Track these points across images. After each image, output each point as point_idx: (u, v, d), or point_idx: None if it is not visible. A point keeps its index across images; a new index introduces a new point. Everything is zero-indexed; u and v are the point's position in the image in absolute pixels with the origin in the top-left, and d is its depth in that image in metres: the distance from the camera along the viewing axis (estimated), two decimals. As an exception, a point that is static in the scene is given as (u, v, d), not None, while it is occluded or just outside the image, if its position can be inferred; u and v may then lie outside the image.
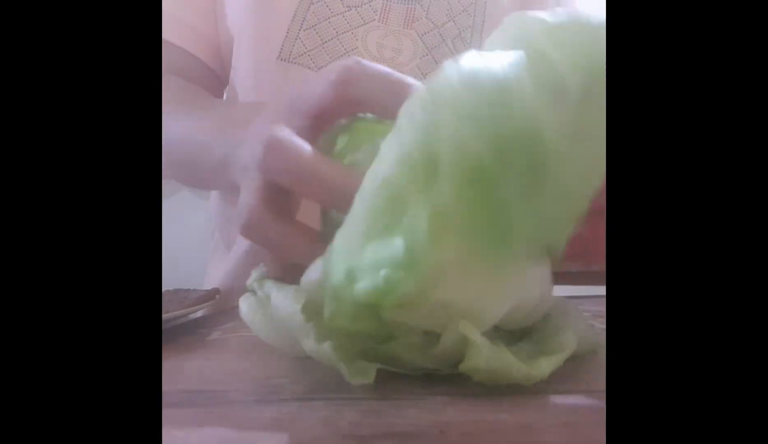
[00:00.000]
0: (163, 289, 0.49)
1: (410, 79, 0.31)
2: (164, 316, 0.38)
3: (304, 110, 0.32)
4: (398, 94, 0.30)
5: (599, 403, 0.24)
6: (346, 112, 0.33)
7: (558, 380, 0.27)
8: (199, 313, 0.45)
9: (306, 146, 0.30)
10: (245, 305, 0.30)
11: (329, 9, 0.61)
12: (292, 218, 0.33)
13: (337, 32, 0.60)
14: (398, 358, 0.27)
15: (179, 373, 0.31)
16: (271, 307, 0.29)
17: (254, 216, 0.32)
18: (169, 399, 0.26)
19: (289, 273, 0.30)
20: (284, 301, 0.28)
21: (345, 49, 0.60)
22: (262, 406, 0.25)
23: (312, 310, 0.26)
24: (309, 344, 0.26)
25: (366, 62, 0.31)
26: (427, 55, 0.61)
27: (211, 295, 0.46)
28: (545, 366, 0.26)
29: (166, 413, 0.24)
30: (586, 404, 0.24)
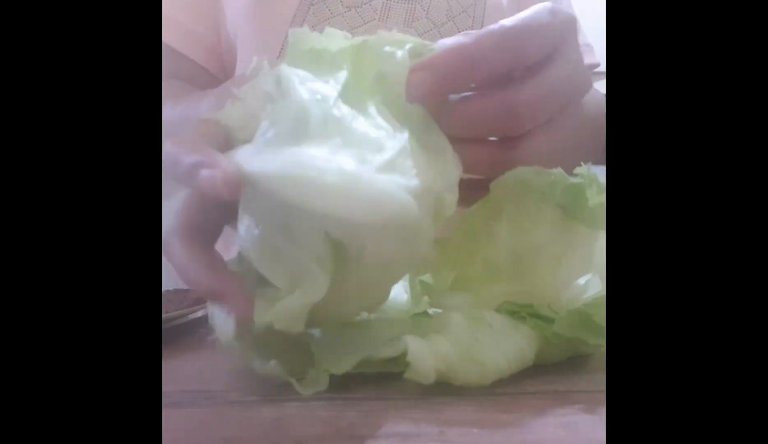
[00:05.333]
0: (163, 289, 0.49)
1: None
2: (164, 316, 0.38)
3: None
4: None
5: (599, 403, 0.24)
6: None
7: (558, 380, 0.27)
8: (199, 313, 0.45)
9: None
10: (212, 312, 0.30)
11: (329, 10, 0.61)
12: (210, 245, 0.30)
13: None
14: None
15: (179, 373, 0.31)
16: (215, 326, 0.29)
17: (171, 240, 0.29)
18: (169, 399, 0.26)
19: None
20: (225, 323, 0.28)
21: None
22: (262, 406, 0.25)
23: (247, 333, 0.27)
24: (256, 365, 0.27)
25: None
26: None
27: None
28: (491, 372, 0.26)
29: (166, 413, 0.24)
30: (586, 404, 0.24)
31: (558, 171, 0.28)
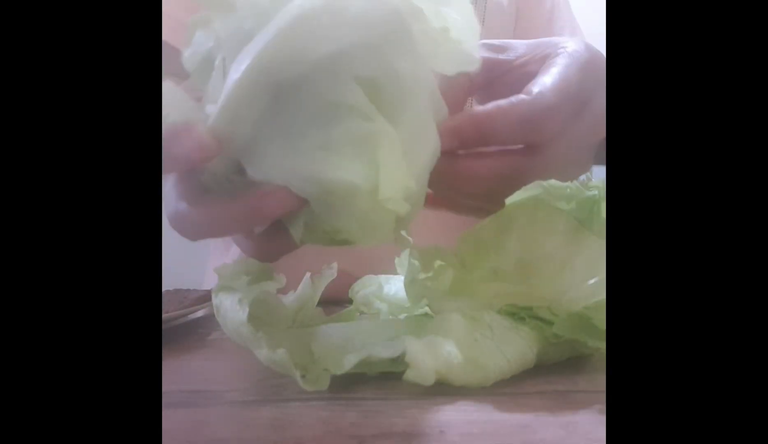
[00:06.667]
0: (163, 289, 0.49)
1: None
2: (164, 316, 0.38)
3: None
4: None
5: (599, 403, 0.24)
6: None
7: (558, 380, 0.27)
8: (199, 313, 0.45)
9: None
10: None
11: None
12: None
13: None
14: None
15: (179, 373, 0.31)
16: (222, 317, 0.29)
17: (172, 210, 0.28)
18: (169, 399, 0.26)
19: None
20: (233, 311, 0.28)
21: None
22: (262, 406, 0.25)
23: (259, 318, 0.26)
24: (263, 354, 0.26)
25: None
26: None
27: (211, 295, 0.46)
28: (491, 373, 0.26)
29: (166, 413, 0.24)
30: (586, 404, 0.24)
31: (574, 184, 0.28)
